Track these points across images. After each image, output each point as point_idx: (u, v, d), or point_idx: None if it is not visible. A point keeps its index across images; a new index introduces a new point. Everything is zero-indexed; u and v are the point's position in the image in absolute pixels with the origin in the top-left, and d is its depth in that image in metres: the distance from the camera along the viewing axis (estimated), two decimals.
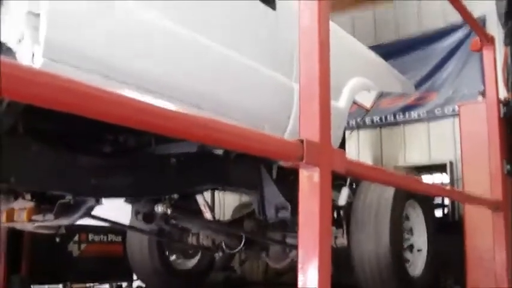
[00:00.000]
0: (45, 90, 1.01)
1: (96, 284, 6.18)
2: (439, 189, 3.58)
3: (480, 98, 4.06)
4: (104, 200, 3.54)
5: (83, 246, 6.27)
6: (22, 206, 3.54)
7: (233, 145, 1.51)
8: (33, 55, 1.93)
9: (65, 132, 3.17)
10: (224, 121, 1.37)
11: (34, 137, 2.82)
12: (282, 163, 1.59)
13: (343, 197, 4.28)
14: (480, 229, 3.78)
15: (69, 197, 3.38)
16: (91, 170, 3.13)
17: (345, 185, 4.38)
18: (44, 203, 3.55)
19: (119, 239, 6.45)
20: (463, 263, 3.87)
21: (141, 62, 2.34)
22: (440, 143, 6.70)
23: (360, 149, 7.23)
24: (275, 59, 3.17)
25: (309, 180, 1.61)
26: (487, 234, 3.58)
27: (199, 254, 5.74)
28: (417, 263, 4.64)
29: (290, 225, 4.43)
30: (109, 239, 6.51)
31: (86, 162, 3.14)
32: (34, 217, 3.54)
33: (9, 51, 1.97)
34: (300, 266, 1.61)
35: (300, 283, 1.59)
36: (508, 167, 3.67)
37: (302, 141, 1.54)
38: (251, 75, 2.99)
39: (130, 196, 3.75)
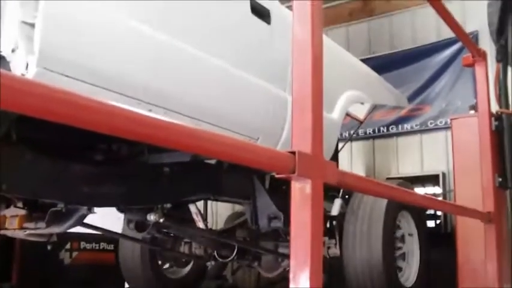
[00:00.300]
0: (37, 100, 1.02)
1: None
2: (432, 200, 3.60)
3: (472, 112, 4.09)
4: (96, 209, 3.54)
5: (74, 254, 6.24)
6: (14, 213, 3.53)
7: (225, 156, 1.52)
8: (27, 65, 1.94)
9: (58, 140, 3.18)
10: (216, 132, 1.38)
11: (27, 145, 2.82)
12: (274, 174, 1.60)
13: (336, 208, 4.30)
14: (472, 241, 3.80)
15: (61, 205, 3.38)
16: (83, 178, 3.13)
17: (337, 196, 4.39)
18: (35, 210, 3.54)
19: (111, 247, 6.43)
20: (455, 274, 3.88)
21: (136, 73, 2.35)
22: (432, 154, 6.74)
23: (352, 160, 7.25)
24: (269, 72, 3.19)
25: (301, 192, 1.62)
26: (479, 246, 3.60)
27: (192, 263, 5.74)
28: (409, 274, 4.65)
29: (282, 235, 4.44)
30: (101, 247, 6.49)
31: (79, 170, 3.13)
32: (25, 225, 3.53)
33: (3, 61, 1.97)
34: (291, 275, 1.62)
35: None
36: (500, 179, 3.70)
37: (294, 153, 1.55)
38: (246, 87, 3.01)
39: (123, 205, 3.74)
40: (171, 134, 1.25)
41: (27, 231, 3.57)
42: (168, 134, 1.25)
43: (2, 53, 1.97)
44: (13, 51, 1.96)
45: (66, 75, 2.03)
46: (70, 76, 2.05)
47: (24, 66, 1.95)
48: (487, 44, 5.31)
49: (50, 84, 1.05)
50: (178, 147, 1.35)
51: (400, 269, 4.55)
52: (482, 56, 3.82)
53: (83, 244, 6.32)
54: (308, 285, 1.58)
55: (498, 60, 3.96)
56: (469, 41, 3.90)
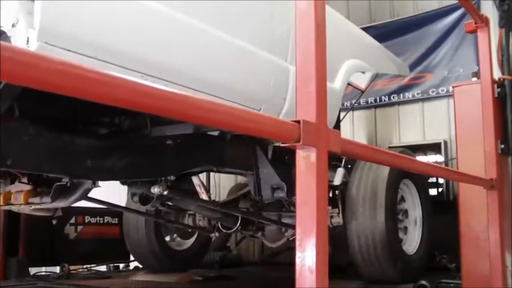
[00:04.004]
0: (39, 72, 1.01)
1: (93, 265, 6.21)
2: (434, 168, 3.61)
3: (474, 79, 4.08)
4: (100, 182, 3.56)
5: (79, 228, 6.30)
6: (19, 188, 3.56)
7: (231, 126, 1.52)
8: (28, 39, 1.93)
9: (61, 115, 3.18)
10: (221, 102, 1.38)
11: (30, 121, 2.82)
12: (279, 144, 1.60)
13: (338, 177, 4.30)
14: (474, 208, 3.82)
15: (65, 180, 3.40)
16: (87, 152, 3.13)
17: (340, 166, 4.40)
18: (40, 185, 3.56)
19: (116, 220, 6.49)
20: (458, 242, 3.90)
21: (136, 46, 2.34)
22: (434, 123, 6.73)
23: (354, 129, 7.25)
24: (271, 42, 3.17)
25: (306, 160, 1.63)
26: (482, 214, 3.62)
27: (196, 235, 5.79)
28: (412, 241, 4.69)
29: (286, 205, 4.47)
30: (105, 221, 6.54)
31: (82, 144, 3.14)
32: (31, 200, 3.55)
33: (3, 36, 1.96)
34: (298, 243, 1.64)
35: (297, 260, 1.62)
36: (502, 146, 3.70)
37: (299, 122, 1.55)
38: (247, 58, 3.00)
39: (127, 178, 3.76)
40: (175, 105, 1.26)
41: (33, 206, 3.60)
42: (173, 104, 1.25)
43: (2, 28, 1.96)
44: (13, 25, 1.95)
45: (68, 50, 2.02)
46: (71, 50, 2.04)
47: (24, 41, 1.94)
48: (490, 10, 5.27)
49: (52, 56, 1.04)
50: (183, 117, 1.35)
51: (403, 237, 4.59)
52: (485, 22, 3.79)
53: (87, 218, 6.37)
54: (314, 252, 1.60)
55: (501, 26, 3.93)
56: (472, 7, 3.87)
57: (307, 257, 1.62)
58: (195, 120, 1.40)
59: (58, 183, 3.42)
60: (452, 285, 4.03)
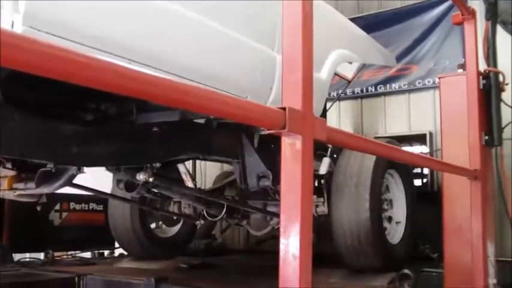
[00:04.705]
0: (28, 55, 1.01)
1: (78, 252, 6.20)
2: (419, 158, 3.64)
3: (460, 70, 4.10)
4: (85, 169, 3.55)
5: (64, 215, 6.28)
6: (3, 174, 3.54)
7: (216, 112, 1.53)
8: (12, 23, 1.92)
9: (47, 101, 3.16)
10: (208, 88, 1.38)
11: (15, 106, 2.80)
12: (265, 130, 1.61)
13: (324, 167, 4.32)
14: (458, 199, 3.85)
15: (50, 166, 3.38)
16: (72, 138, 3.12)
17: (326, 155, 4.42)
18: (25, 171, 3.54)
19: (101, 207, 6.47)
20: (441, 232, 3.94)
21: (122, 32, 2.33)
22: (420, 114, 6.77)
23: (340, 119, 7.27)
24: (257, 30, 3.17)
25: (291, 147, 1.64)
26: (465, 204, 3.66)
27: (181, 222, 5.79)
28: (396, 231, 4.73)
29: (271, 194, 4.48)
30: (90, 208, 6.53)
31: (67, 130, 3.13)
32: (15, 185, 3.54)
33: None
34: (282, 230, 1.65)
35: (281, 247, 1.63)
36: (486, 137, 3.73)
37: (284, 109, 1.56)
38: (233, 46, 2.99)
39: (112, 164, 3.75)
40: (162, 90, 1.26)
41: (17, 192, 3.59)
42: (159, 89, 1.25)
43: None
44: None
45: (53, 35, 2.01)
46: (57, 35, 2.02)
47: (9, 25, 1.92)
48: (476, 3, 5.29)
49: (38, 38, 1.04)
50: (169, 102, 1.35)
51: (387, 227, 4.63)
52: (472, 14, 3.82)
53: (72, 205, 6.35)
54: (298, 239, 1.61)
55: (487, 19, 3.95)
56: None
57: (291, 244, 1.63)
58: (181, 105, 1.40)
59: (43, 169, 3.41)
60: (434, 273, 4.08)
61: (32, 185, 3.47)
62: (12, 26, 1.92)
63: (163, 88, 1.26)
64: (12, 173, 3.52)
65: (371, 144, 2.38)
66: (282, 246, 1.64)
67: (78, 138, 3.14)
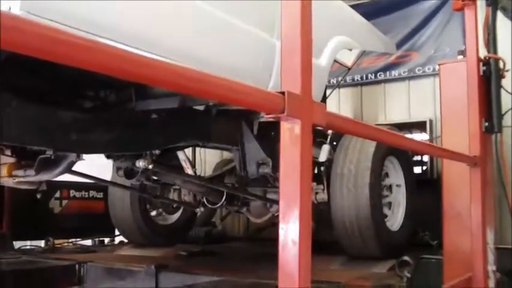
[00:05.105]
0: (25, 37, 1.00)
1: (78, 240, 6.21)
2: (419, 144, 3.63)
3: (460, 57, 4.09)
4: (85, 156, 3.54)
5: (64, 202, 6.29)
6: (2, 161, 3.53)
7: (215, 96, 1.52)
8: (9, 8, 1.91)
9: (45, 87, 3.15)
10: (206, 72, 1.38)
11: (13, 93, 2.79)
12: (263, 115, 1.60)
13: (324, 154, 4.32)
14: (457, 185, 3.85)
15: (49, 152, 3.37)
16: (71, 125, 3.12)
17: (325, 142, 4.42)
18: (24, 158, 3.54)
19: (101, 195, 6.48)
20: (440, 219, 3.94)
21: (120, 17, 2.31)
22: (420, 101, 6.74)
23: (340, 106, 7.25)
24: (257, 16, 3.15)
25: (290, 132, 1.63)
26: (464, 191, 3.65)
27: (181, 210, 5.80)
28: (396, 218, 4.74)
29: (271, 181, 4.48)
30: (90, 195, 6.54)
31: (67, 117, 3.12)
32: (15, 172, 3.53)
33: None
34: (281, 216, 1.65)
35: (281, 232, 1.63)
36: (486, 124, 3.73)
37: (283, 93, 1.55)
38: (233, 32, 2.98)
39: (111, 152, 3.75)
40: (160, 73, 1.25)
41: (17, 179, 3.58)
42: (158, 72, 1.24)
43: None
44: None
45: (51, 20, 2.00)
46: (54, 21, 2.01)
47: (7, 9, 1.91)
48: None
49: (36, 20, 1.03)
50: (170, 86, 1.35)
51: (386, 214, 4.64)
52: None
53: (72, 192, 6.36)
54: (298, 224, 1.61)
55: (488, 5, 3.93)
56: None
57: (291, 229, 1.63)
58: (179, 88, 1.39)
59: (42, 156, 3.40)
60: (433, 260, 4.08)
61: (31, 172, 3.46)
62: (10, 11, 1.91)
63: (161, 71, 1.25)
64: (11, 160, 3.52)
65: (370, 130, 2.37)
66: (281, 232, 1.63)
67: (77, 125, 3.14)
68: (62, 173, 3.58)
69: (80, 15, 2.13)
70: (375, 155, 4.28)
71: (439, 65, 4.19)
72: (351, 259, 4.43)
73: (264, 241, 6.14)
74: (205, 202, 4.93)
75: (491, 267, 3.68)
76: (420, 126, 6.57)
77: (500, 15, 4.15)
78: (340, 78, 6.63)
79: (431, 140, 6.36)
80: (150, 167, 3.80)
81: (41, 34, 1.01)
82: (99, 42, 1.12)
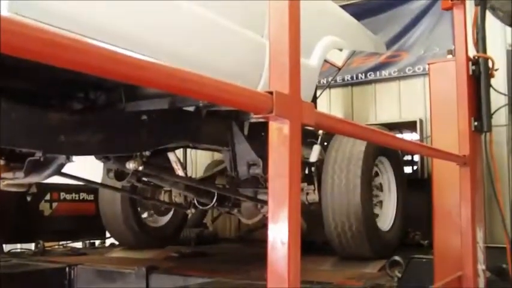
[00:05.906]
0: (12, 37, 0.99)
1: (69, 242, 6.18)
2: (409, 143, 3.64)
3: (449, 56, 4.10)
4: (75, 158, 3.53)
5: (54, 205, 6.25)
6: None
7: (203, 96, 1.51)
8: None
9: (35, 89, 3.13)
10: (195, 72, 1.37)
11: (3, 94, 2.77)
12: (252, 116, 1.59)
13: (314, 154, 4.33)
14: (447, 185, 3.86)
15: (39, 154, 3.36)
16: (61, 127, 3.10)
17: (316, 143, 4.42)
18: (13, 160, 3.52)
19: (91, 197, 6.45)
20: (431, 219, 3.95)
21: (108, 18, 2.30)
22: (410, 101, 6.77)
23: (331, 107, 7.27)
24: (246, 16, 3.15)
25: (279, 132, 1.63)
26: (454, 190, 3.66)
27: (172, 211, 5.79)
28: (386, 218, 4.75)
29: (262, 182, 4.48)
30: (81, 198, 6.51)
31: (56, 119, 3.10)
32: (3, 175, 3.52)
33: None
34: (270, 215, 1.64)
35: (270, 232, 1.62)
36: (476, 123, 3.74)
37: (272, 93, 1.54)
38: (223, 33, 2.97)
39: (101, 153, 3.73)
40: (149, 73, 1.24)
41: (6, 182, 3.57)
42: (146, 73, 1.23)
43: None
44: None
45: (40, 22, 1.99)
46: (44, 22, 2.00)
47: None
48: None
49: (23, 20, 1.02)
50: (158, 86, 1.34)
51: (377, 214, 4.64)
52: None
53: (62, 195, 6.33)
54: (286, 224, 1.60)
55: (476, 4, 3.95)
56: None
57: (280, 230, 1.62)
58: (168, 88, 1.38)
59: (31, 158, 3.39)
60: (424, 260, 4.09)
61: (20, 174, 3.45)
62: None
63: (150, 72, 1.24)
64: (0, 162, 3.50)
65: (360, 130, 2.36)
66: (270, 232, 1.63)
67: (67, 127, 3.12)
68: (51, 175, 3.57)
69: (69, 16, 2.11)
70: (365, 156, 4.29)
71: (428, 64, 4.20)
72: (342, 259, 4.44)
73: (255, 242, 6.14)
74: (196, 203, 4.92)
75: (481, 266, 3.70)
76: (410, 126, 6.60)
77: (489, 14, 4.16)
78: (330, 79, 6.64)
79: (421, 139, 6.39)
80: (141, 168, 3.79)
81: (28, 35, 1.00)
82: (88, 42, 1.11)
